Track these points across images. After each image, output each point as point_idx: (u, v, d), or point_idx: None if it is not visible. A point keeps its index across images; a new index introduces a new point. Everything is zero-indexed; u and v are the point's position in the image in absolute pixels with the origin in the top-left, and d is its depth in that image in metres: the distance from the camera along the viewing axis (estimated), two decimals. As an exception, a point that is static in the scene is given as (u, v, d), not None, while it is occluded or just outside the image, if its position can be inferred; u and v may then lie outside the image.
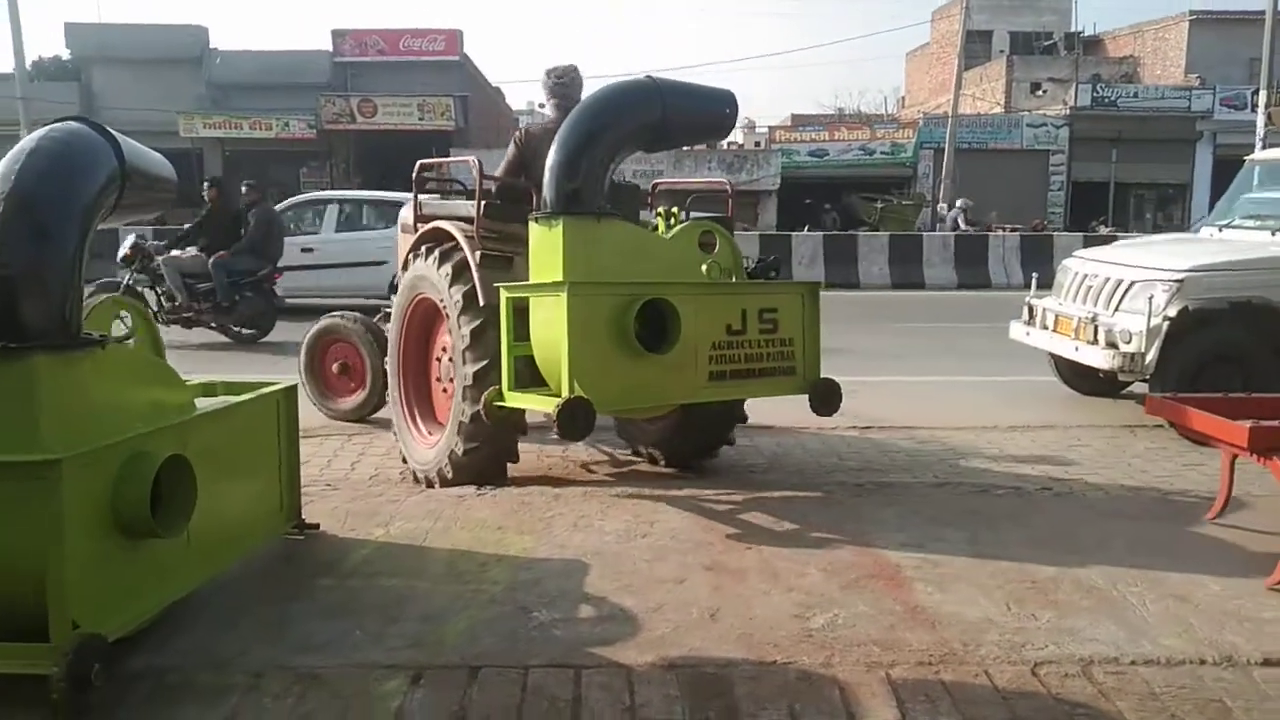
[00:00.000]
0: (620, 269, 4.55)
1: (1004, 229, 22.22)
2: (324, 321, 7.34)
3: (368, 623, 3.41)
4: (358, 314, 7.42)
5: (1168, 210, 34.79)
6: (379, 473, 5.85)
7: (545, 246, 4.57)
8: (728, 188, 6.23)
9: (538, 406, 4.51)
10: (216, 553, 3.57)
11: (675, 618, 3.47)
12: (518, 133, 5.55)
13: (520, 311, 4.56)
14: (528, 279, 4.75)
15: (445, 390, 5.41)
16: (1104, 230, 24.76)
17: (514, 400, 4.61)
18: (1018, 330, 8.58)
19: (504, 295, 4.59)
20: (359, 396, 7.25)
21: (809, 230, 22.62)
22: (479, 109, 34.46)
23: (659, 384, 4.50)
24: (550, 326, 4.33)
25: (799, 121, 41.25)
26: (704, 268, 4.79)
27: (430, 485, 5.22)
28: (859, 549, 4.17)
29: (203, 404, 3.69)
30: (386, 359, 5.94)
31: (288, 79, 32.18)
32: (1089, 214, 31.98)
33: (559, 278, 4.41)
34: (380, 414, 7.08)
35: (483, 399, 4.69)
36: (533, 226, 4.67)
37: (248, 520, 3.86)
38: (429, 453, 5.34)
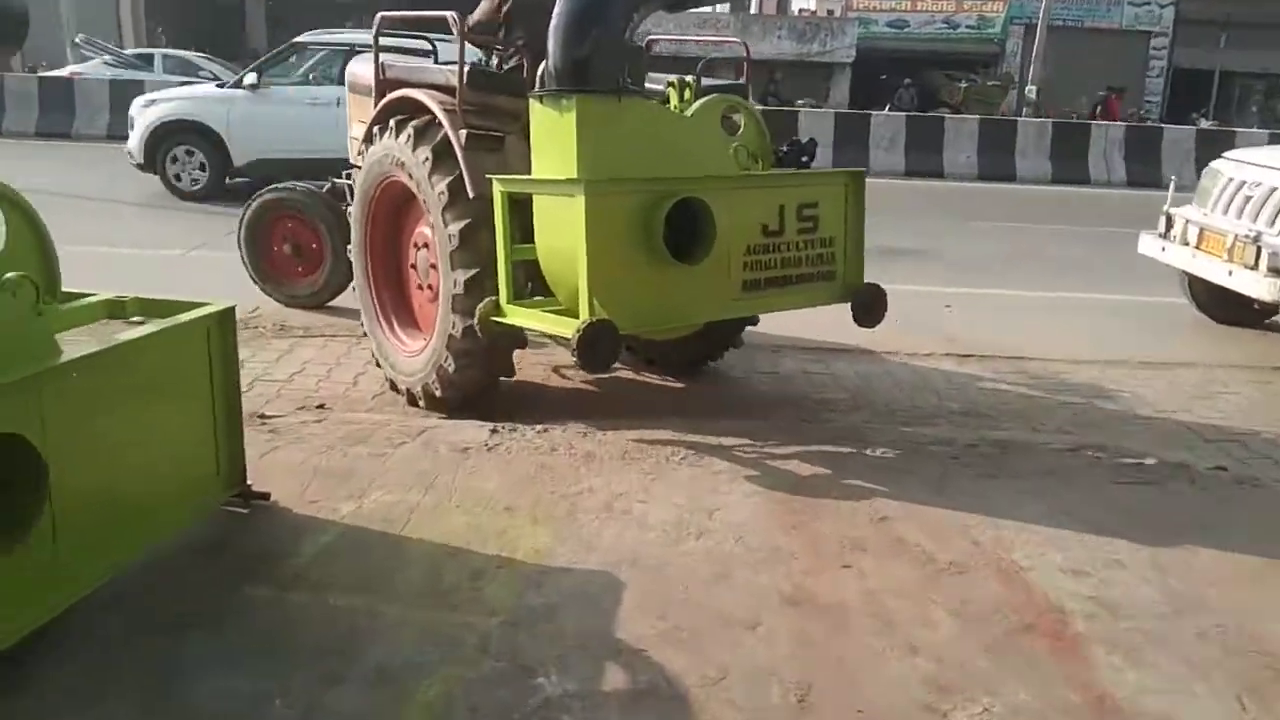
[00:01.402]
0: (642, 160, 3.76)
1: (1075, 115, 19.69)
2: (267, 195, 6.19)
3: (298, 680, 2.34)
4: (308, 185, 6.23)
5: (1275, 104, 31.88)
6: (384, 391, 4.76)
7: (552, 131, 3.70)
8: (745, 49, 5.23)
9: (548, 329, 3.79)
10: (108, 549, 2.61)
11: (746, 699, 2.35)
12: None
13: (518, 205, 3.87)
14: (523, 162, 3.99)
15: (425, 291, 4.58)
16: (1204, 124, 22.43)
17: (516, 317, 3.91)
18: (1149, 245, 7.12)
19: (498, 189, 3.84)
20: (316, 279, 6.20)
21: (889, 110, 20.74)
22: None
23: (688, 298, 3.81)
24: (561, 232, 3.63)
25: (878, -11, 38.24)
26: (730, 152, 4.07)
27: (413, 401, 4.51)
28: (1002, 575, 2.99)
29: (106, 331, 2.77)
30: (349, 246, 4.94)
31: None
32: (1189, 105, 29.33)
33: (573, 173, 3.61)
34: (339, 300, 6.13)
35: (478, 312, 3.94)
36: (535, 106, 3.76)
37: (166, 494, 2.90)
38: (411, 363, 4.53)
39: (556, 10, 3.69)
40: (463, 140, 4.02)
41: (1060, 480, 3.83)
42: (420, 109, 4.29)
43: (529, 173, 3.94)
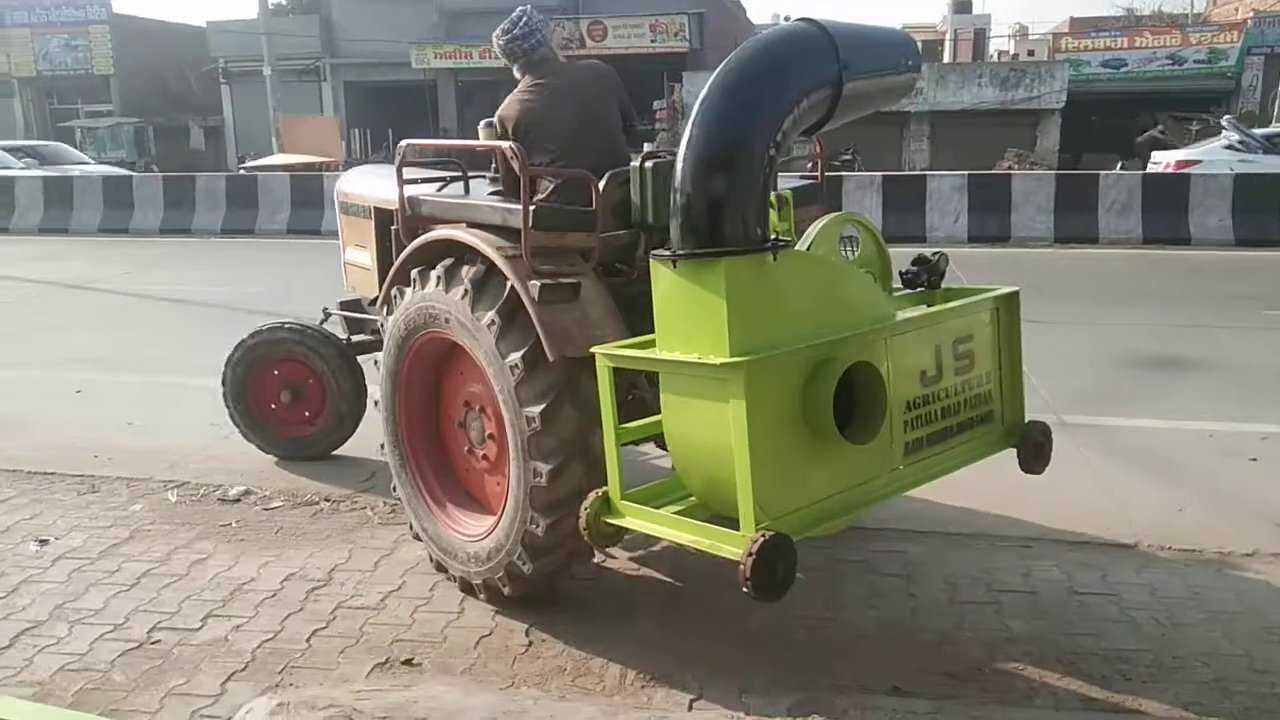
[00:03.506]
0: (795, 321, 3.02)
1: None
2: (258, 336, 5.36)
3: None
4: (300, 323, 5.38)
5: None
6: (491, 634, 3.60)
7: (686, 300, 2.96)
8: (816, 144, 4.16)
9: (696, 542, 2.93)
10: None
11: None
12: (497, 122, 3.95)
13: (621, 374, 3.31)
14: (602, 309, 3.49)
15: (481, 460, 3.87)
16: None
17: (639, 520, 3.15)
18: None
19: (604, 364, 3.16)
20: (320, 428, 5.38)
21: (1122, 166, 18.40)
22: (716, 27, 31.57)
23: (854, 481, 3.11)
24: (704, 421, 2.94)
25: (1081, 26, 35.40)
26: (881, 288, 3.53)
27: (469, 590, 3.85)
28: None
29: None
30: (376, 401, 4.18)
31: (518, 2, 30.52)
32: None
33: (724, 351, 2.83)
34: (347, 449, 5.41)
35: (584, 515, 3.19)
36: (660, 270, 3.01)
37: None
38: (469, 548, 3.78)
39: (682, 157, 2.95)
40: (536, 294, 3.33)
41: None
42: (465, 252, 3.62)
43: (610, 320, 3.46)
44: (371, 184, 5.01)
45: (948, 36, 40.11)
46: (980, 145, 24.67)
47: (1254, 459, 5.22)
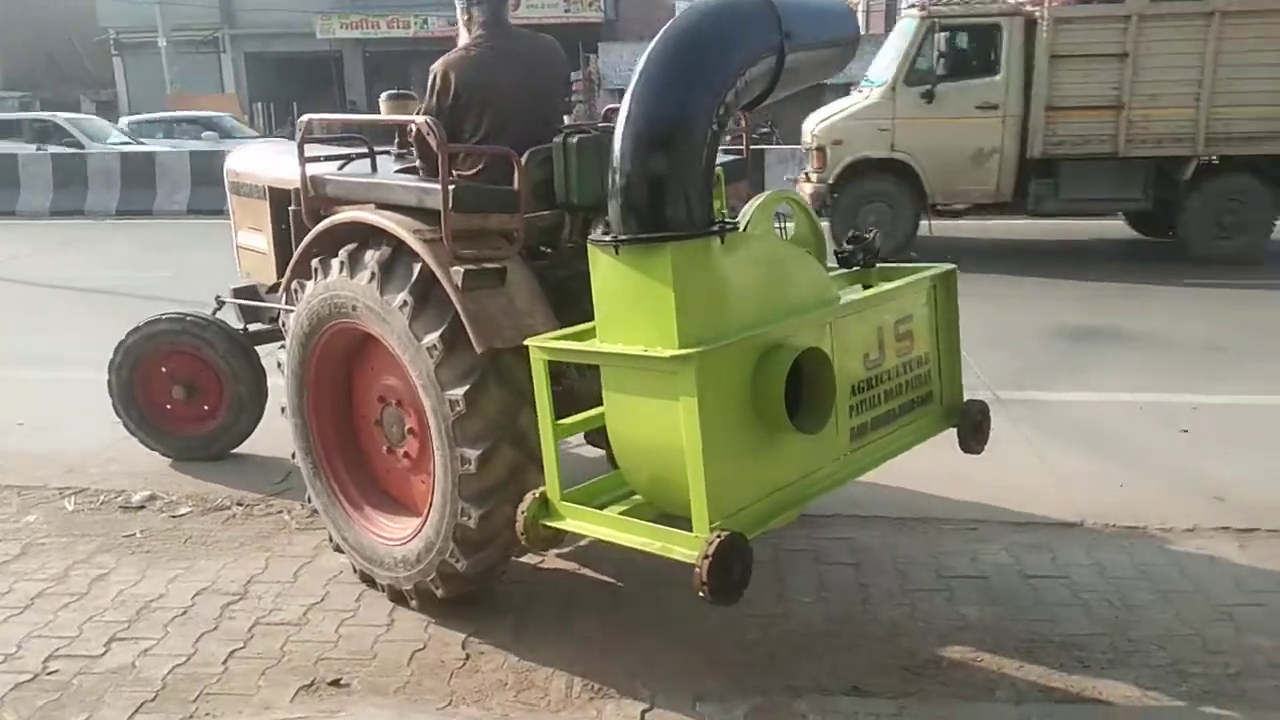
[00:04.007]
0: (741, 306, 2.87)
1: None
2: (135, 334, 4.98)
3: None
4: (194, 315, 5.00)
5: None
6: (424, 648, 3.38)
7: (629, 289, 2.76)
8: (742, 117, 3.89)
9: (646, 545, 2.74)
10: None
11: None
12: (438, 72, 3.57)
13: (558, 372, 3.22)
14: (528, 294, 3.30)
15: (401, 459, 3.64)
16: None
17: (581, 522, 2.96)
18: None
19: (539, 356, 2.96)
20: (222, 420, 5.02)
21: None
22: (631, -4, 31.23)
23: (802, 472, 2.98)
24: (651, 418, 2.75)
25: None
26: (822, 268, 3.35)
27: (399, 599, 3.61)
28: None
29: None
30: (283, 408, 3.88)
31: (424, -25, 29.68)
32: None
33: (672, 343, 2.63)
34: (257, 449, 5.08)
35: (521, 517, 2.99)
36: (599, 257, 2.81)
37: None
38: (395, 553, 3.55)
39: (620, 133, 2.75)
40: (460, 281, 3.12)
41: None
42: (377, 236, 3.38)
43: (539, 306, 3.27)
44: (265, 161, 4.68)
45: (860, 7, 40.35)
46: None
47: (1185, 430, 5.26)
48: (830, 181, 10.08)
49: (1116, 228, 11.48)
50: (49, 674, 3.23)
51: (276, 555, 4.04)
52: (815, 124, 10.49)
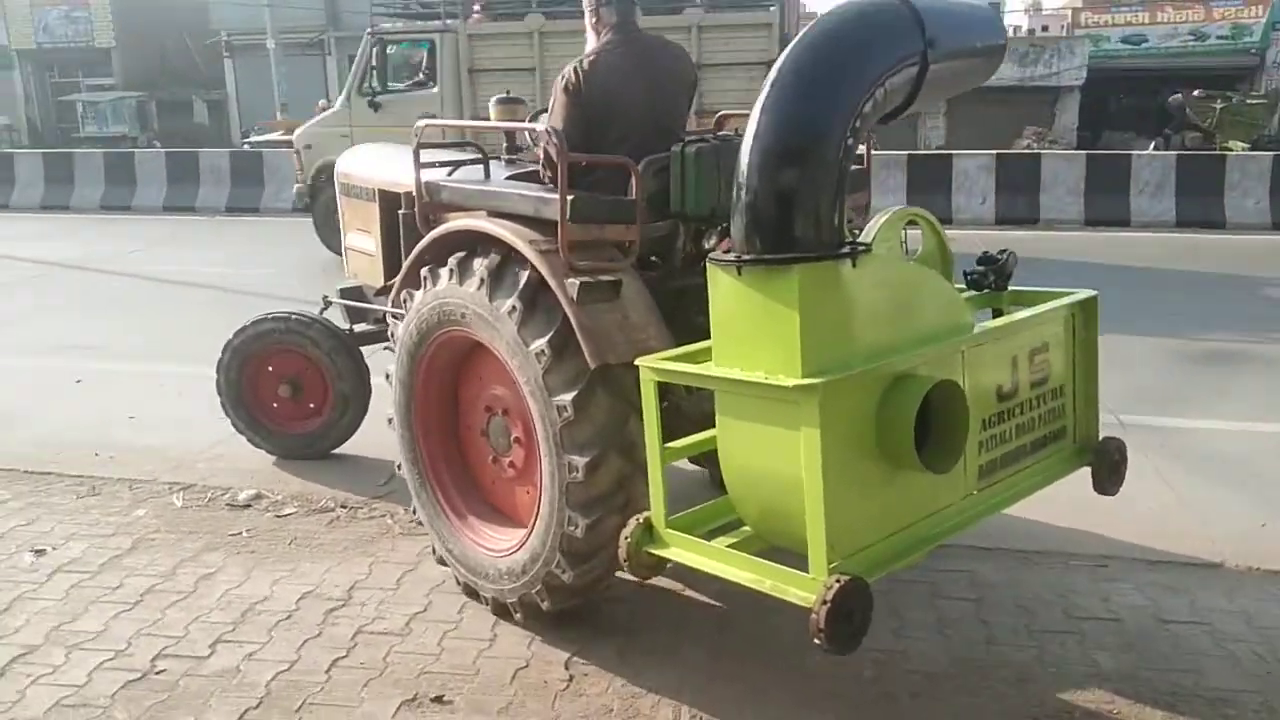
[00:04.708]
0: (870, 333, 2.69)
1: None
2: (243, 334, 5.00)
3: None
4: (299, 313, 5.02)
5: None
6: (526, 666, 3.28)
7: (751, 310, 2.62)
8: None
9: (757, 583, 2.62)
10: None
11: None
12: (571, 73, 3.47)
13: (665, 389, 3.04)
14: (641, 306, 3.20)
15: (506, 468, 3.59)
16: None
17: (687, 552, 2.86)
18: None
19: (649, 377, 2.87)
20: (327, 416, 5.05)
21: (1159, 143, 17.88)
22: None
23: (927, 511, 2.80)
24: (768, 448, 2.60)
25: (1100, 1, 34.68)
26: (955, 292, 3.11)
27: (503, 613, 3.53)
28: None
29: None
30: (390, 419, 3.83)
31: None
32: None
33: (795, 371, 2.48)
34: (361, 449, 5.09)
35: (624, 544, 2.94)
36: (719, 277, 2.69)
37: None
38: (499, 565, 3.49)
39: (747, 147, 2.60)
40: (575, 293, 3.04)
41: None
42: (486, 243, 3.35)
43: (653, 321, 3.18)
44: (376, 164, 4.69)
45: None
46: (998, 123, 24.14)
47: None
48: (308, 182, 11.18)
49: (1233, 241, 10.83)
50: (157, 673, 3.24)
51: (380, 561, 4.01)
52: (298, 130, 11.77)
